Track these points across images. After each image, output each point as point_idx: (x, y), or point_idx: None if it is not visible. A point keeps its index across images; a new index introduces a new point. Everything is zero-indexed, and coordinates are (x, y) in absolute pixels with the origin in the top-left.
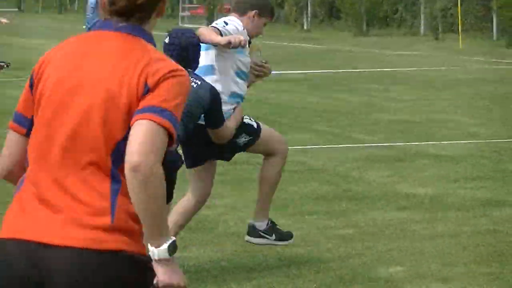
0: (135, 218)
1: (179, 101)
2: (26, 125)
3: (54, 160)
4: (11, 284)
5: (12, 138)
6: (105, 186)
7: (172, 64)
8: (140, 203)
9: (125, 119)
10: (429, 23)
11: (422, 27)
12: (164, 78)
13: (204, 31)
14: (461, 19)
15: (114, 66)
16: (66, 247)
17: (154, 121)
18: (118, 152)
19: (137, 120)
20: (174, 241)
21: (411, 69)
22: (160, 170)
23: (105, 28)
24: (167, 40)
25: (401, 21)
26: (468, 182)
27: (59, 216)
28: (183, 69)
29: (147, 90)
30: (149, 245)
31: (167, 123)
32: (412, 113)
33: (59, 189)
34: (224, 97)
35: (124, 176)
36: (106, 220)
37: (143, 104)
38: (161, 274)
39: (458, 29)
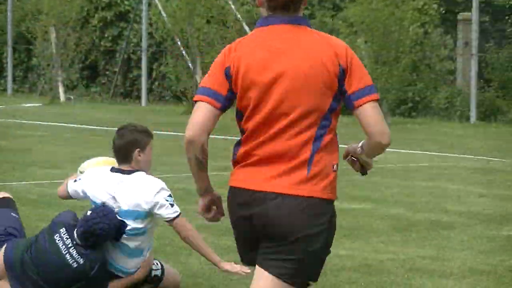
0: (328, 171)
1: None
2: (221, 100)
3: (267, 131)
4: (239, 218)
5: (203, 109)
6: (308, 147)
7: (343, 42)
8: (374, 154)
9: (327, 94)
10: None
11: None
12: (351, 58)
13: None
14: None
15: (307, 54)
16: (273, 193)
17: (374, 100)
18: (326, 120)
19: (364, 103)
20: None
21: None
22: None
23: (275, 23)
24: (88, 213)
25: None
26: None
27: (270, 170)
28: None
29: (343, 71)
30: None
31: (378, 95)
32: None
33: (271, 150)
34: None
35: (325, 137)
36: (303, 173)
37: (354, 87)
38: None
39: None
